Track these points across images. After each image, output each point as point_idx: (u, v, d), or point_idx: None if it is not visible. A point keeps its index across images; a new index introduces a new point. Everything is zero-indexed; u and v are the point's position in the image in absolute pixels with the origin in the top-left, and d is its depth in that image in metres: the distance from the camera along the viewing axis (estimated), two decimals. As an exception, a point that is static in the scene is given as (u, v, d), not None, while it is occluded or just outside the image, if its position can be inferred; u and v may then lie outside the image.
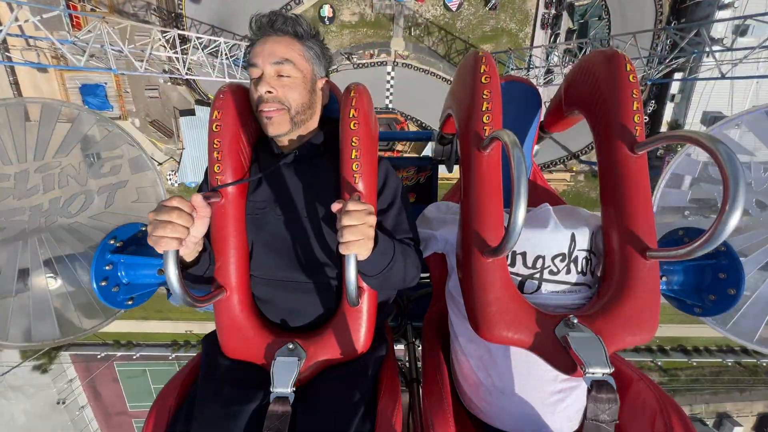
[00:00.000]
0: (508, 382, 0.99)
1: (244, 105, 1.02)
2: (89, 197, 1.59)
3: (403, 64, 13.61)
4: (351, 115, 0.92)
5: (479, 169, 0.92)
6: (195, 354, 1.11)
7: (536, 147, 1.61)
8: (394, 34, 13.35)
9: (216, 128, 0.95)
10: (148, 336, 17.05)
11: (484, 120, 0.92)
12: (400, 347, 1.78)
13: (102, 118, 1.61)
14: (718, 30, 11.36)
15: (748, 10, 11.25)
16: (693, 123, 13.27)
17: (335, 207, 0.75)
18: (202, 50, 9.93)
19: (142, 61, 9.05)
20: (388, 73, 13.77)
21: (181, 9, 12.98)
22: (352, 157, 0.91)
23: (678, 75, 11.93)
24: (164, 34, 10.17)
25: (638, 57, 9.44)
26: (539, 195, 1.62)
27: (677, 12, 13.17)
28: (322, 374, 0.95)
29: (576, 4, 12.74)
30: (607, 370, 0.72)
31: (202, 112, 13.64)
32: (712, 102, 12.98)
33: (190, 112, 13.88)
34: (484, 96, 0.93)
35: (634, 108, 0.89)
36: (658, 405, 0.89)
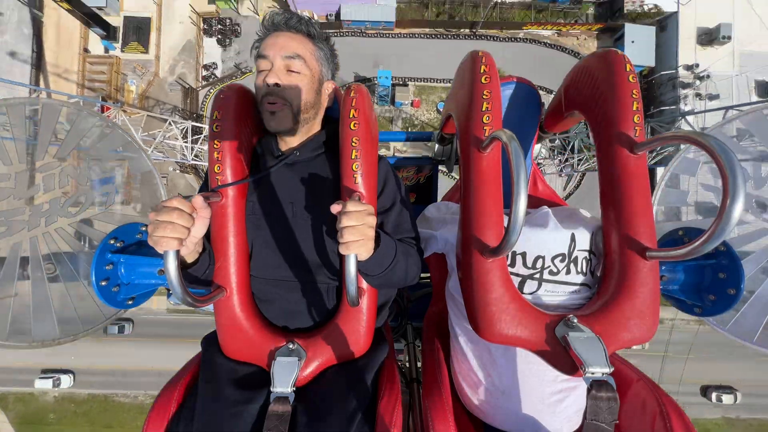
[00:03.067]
0: (508, 382, 0.99)
1: (245, 105, 1.01)
2: (89, 197, 1.59)
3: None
4: (351, 116, 0.92)
5: (479, 169, 0.92)
6: (195, 354, 1.11)
7: (536, 147, 1.60)
8: (392, 131, 14.74)
9: (216, 128, 0.95)
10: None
11: (484, 120, 0.92)
12: (400, 347, 1.78)
13: (102, 118, 1.61)
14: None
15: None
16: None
17: (335, 208, 0.74)
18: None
19: (160, 151, 9.63)
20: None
21: (203, 111, 14.80)
22: (352, 157, 0.91)
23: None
24: (179, 125, 10.64)
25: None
26: (539, 195, 1.62)
27: (648, 100, 13.93)
28: (322, 374, 0.95)
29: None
30: (607, 370, 0.72)
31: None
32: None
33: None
34: (484, 96, 0.93)
35: (634, 108, 0.89)
36: (658, 405, 0.89)
